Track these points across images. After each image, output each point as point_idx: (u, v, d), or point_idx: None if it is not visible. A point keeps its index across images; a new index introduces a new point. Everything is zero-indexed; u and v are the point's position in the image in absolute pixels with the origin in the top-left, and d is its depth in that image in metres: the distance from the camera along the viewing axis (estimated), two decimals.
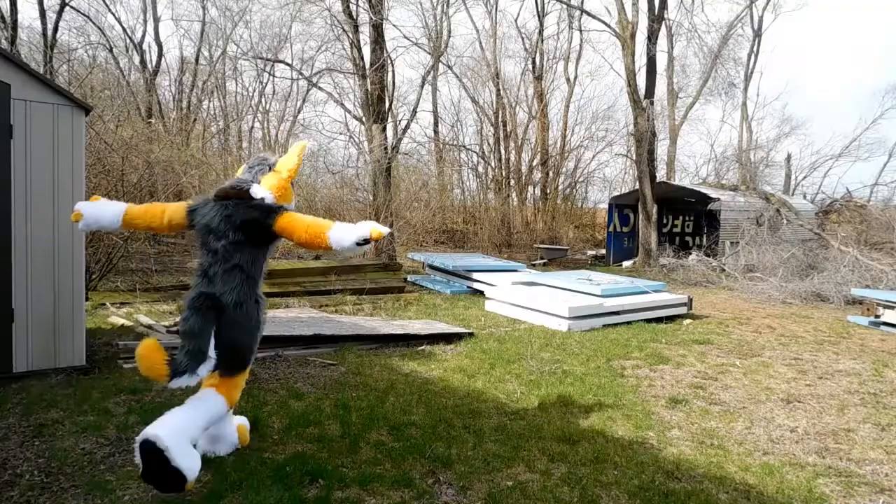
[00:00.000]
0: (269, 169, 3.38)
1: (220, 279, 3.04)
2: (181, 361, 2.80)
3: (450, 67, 23.37)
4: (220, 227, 3.09)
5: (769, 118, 45.97)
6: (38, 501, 2.77)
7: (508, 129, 24.81)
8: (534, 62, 25.02)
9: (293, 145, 3.57)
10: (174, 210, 3.32)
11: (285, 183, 3.32)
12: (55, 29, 17.75)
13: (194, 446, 2.90)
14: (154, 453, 2.62)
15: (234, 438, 3.37)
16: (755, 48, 26.26)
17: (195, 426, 2.92)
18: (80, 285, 4.73)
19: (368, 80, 13.65)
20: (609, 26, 16.90)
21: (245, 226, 3.08)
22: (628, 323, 7.89)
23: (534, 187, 25.52)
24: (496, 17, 24.43)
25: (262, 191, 3.20)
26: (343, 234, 2.96)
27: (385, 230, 2.97)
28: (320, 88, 19.94)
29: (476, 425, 3.93)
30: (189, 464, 2.71)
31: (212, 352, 2.97)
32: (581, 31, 25.11)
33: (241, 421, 3.51)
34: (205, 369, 2.93)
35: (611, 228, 18.52)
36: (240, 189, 3.19)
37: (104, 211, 3.29)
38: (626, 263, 17.00)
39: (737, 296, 11.32)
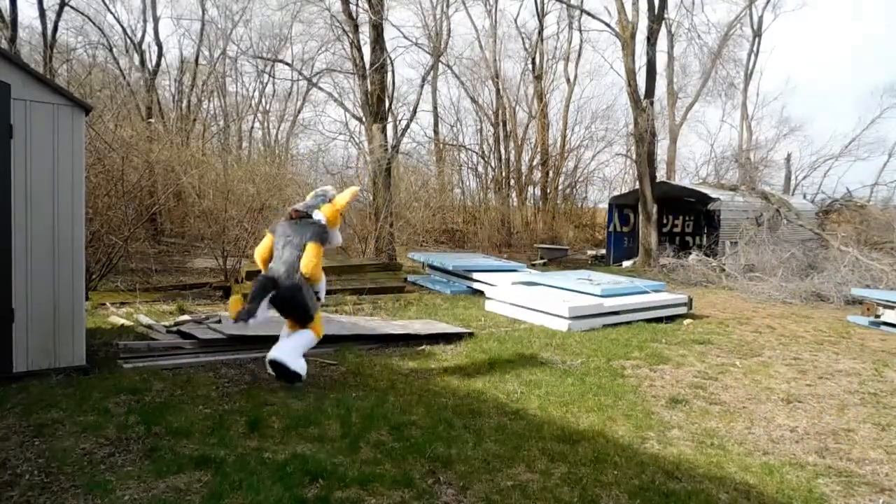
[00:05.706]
0: (328, 200, 4.85)
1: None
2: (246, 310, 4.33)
3: (449, 67, 23.38)
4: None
5: (769, 118, 45.98)
6: (37, 501, 2.77)
7: (508, 129, 24.81)
8: (533, 62, 25.02)
9: (349, 188, 5.10)
10: (266, 244, 4.77)
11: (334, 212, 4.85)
12: (55, 28, 17.72)
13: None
14: (278, 365, 4.48)
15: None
16: (755, 48, 26.28)
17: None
18: (80, 285, 4.73)
19: (368, 80, 13.65)
20: (609, 26, 16.91)
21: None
22: (628, 323, 7.89)
23: (534, 187, 25.55)
24: (496, 17, 24.45)
25: (319, 215, 4.76)
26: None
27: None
28: (320, 88, 20.01)
29: (476, 425, 3.93)
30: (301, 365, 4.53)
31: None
32: (581, 30, 25.13)
33: None
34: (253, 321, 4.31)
35: (611, 228, 18.52)
36: (305, 213, 4.77)
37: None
38: (626, 263, 16.99)
39: (737, 296, 11.32)
